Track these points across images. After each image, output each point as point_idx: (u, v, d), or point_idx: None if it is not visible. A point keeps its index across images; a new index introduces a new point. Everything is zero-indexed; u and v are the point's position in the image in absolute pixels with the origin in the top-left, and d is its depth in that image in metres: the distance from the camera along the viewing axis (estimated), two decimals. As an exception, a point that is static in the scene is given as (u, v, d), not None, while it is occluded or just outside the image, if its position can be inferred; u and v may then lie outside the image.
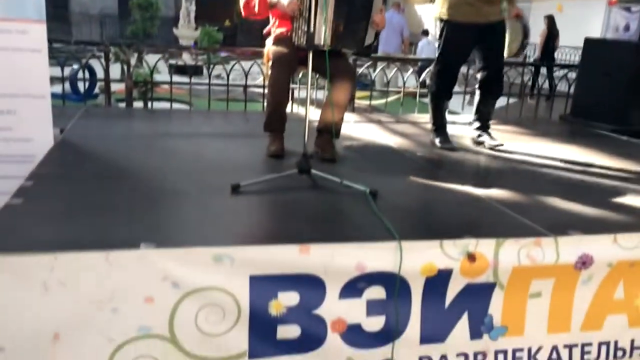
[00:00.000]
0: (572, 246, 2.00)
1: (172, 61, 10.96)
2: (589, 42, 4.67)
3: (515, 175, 3.00)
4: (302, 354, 1.84)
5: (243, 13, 3.07)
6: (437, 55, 3.54)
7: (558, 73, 5.26)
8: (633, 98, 4.32)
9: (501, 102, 5.67)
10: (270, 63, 2.97)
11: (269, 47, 3.06)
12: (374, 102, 5.88)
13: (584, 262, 2.01)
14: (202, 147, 3.24)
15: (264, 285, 1.78)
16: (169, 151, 3.07)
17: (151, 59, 11.46)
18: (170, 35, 14.12)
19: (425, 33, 12.02)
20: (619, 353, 2.13)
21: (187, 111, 4.55)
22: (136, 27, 12.40)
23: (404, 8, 18.04)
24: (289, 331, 1.82)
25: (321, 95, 5.05)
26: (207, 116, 4.39)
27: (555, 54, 12.35)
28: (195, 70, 7.34)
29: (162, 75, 4.76)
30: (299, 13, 2.72)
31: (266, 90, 3.23)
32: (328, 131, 2.97)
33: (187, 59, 12.80)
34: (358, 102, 5.72)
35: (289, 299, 1.81)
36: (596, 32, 13.57)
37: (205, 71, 9.15)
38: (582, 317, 2.08)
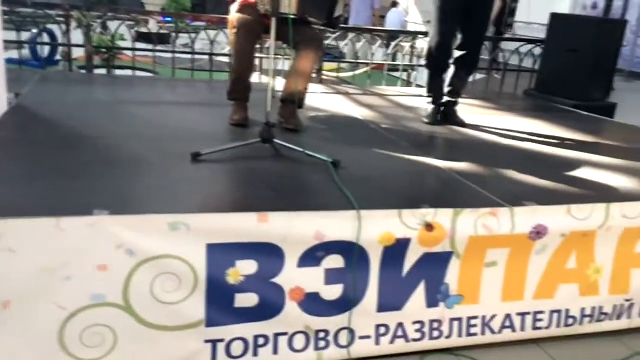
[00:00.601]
0: (527, 217, 2.04)
1: (138, 29, 10.69)
2: (555, 18, 4.70)
3: (477, 148, 3.04)
4: (260, 322, 1.85)
5: None
6: (432, 27, 3.48)
7: (524, 48, 5.27)
8: (596, 74, 4.40)
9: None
10: (234, 30, 2.92)
11: (234, 15, 3.00)
12: (343, 75, 5.86)
13: (539, 233, 2.05)
14: (164, 115, 3.18)
15: (222, 254, 1.77)
16: (130, 118, 3.00)
17: (115, 24, 11.14)
18: (137, 1, 13.73)
19: (394, 4, 11.93)
20: (570, 321, 2.19)
21: (151, 78, 4.45)
22: (100, -8, 11.96)
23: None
24: (246, 299, 1.82)
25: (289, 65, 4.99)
26: (171, 84, 4.30)
27: (524, 31, 12.44)
28: (161, 38, 7.16)
29: (128, 43, 4.62)
30: None
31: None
32: (292, 101, 2.95)
33: (153, 26, 12.53)
34: (327, 74, 5.68)
35: (247, 267, 1.80)
36: (565, 9, 13.68)
37: (172, 39, 8.97)
38: (535, 286, 2.13)
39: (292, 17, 2.52)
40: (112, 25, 4.83)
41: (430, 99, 3.54)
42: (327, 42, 5.45)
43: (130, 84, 4.13)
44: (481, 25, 3.42)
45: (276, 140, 2.47)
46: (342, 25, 5.46)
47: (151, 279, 1.69)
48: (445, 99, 3.54)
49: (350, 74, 6.12)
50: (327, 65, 6.31)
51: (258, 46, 3.62)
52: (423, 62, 3.57)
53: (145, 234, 1.67)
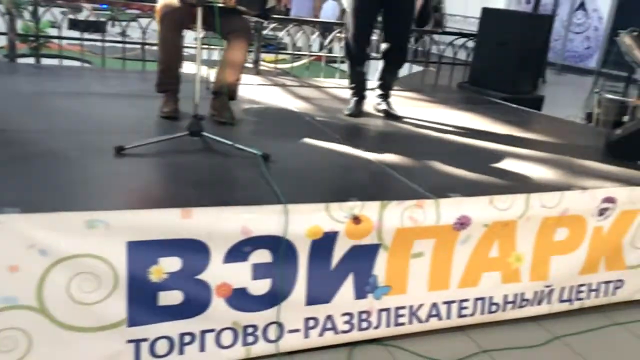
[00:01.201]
0: (451, 208, 2.08)
1: (73, 16, 10.23)
2: (486, 12, 4.83)
3: (408, 140, 3.08)
4: (185, 320, 1.82)
5: None
6: (348, 19, 3.48)
7: (458, 42, 5.39)
8: (524, 68, 4.54)
9: (406, 69, 5.81)
10: (158, 20, 2.84)
11: (159, 3, 2.92)
12: (281, 66, 5.81)
13: (462, 223, 2.10)
14: (92, 107, 3.07)
15: (143, 251, 1.72)
16: (53, 110, 2.88)
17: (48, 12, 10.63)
18: (70, -13, 13.18)
19: None
20: (493, 307, 2.27)
21: (79, 69, 4.27)
22: (30, -23, 11.39)
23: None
24: (171, 297, 1.78)
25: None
26: (101, 74, 4.15)
27: (462, 24, 12.74)
28: (97, 26, 6.89)
29: (62, 31, 4.40)
30: None
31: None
32: (224, 93, 2.90)
33: (88, 13, 12.04)
34: (265, 65, 5.63)
35: (170, 264, 1.76)
36: (500, 3, 14.11)
37: (109, 28, 8.65)
38: (460, 274, 2.19)
39: (219, 5, 2.48)
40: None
41: (352, 91, 3.56)
42: (265, 32, 5.41)
43: (57, 74, 3.95)
44: (401, 20, 3.40)
45: (205, 134, 2.42)
46: (278, 16, 5.45)
47: (67, 279, 1.63)
48: (378, 92, 3.57)
49: (289, 65, 6.09)
50: (266, 56, 6.27)
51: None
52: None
53: (60, 232, 1.61)
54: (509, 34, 4.48)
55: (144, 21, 4.54)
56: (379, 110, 3.58)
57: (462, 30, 12.58)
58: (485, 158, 2.75)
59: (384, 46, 3.50)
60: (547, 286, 2.34)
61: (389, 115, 3.50)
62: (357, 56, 3.48)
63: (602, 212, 2.30)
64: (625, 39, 4.39)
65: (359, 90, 3.54)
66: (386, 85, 3.58)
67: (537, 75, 4.84)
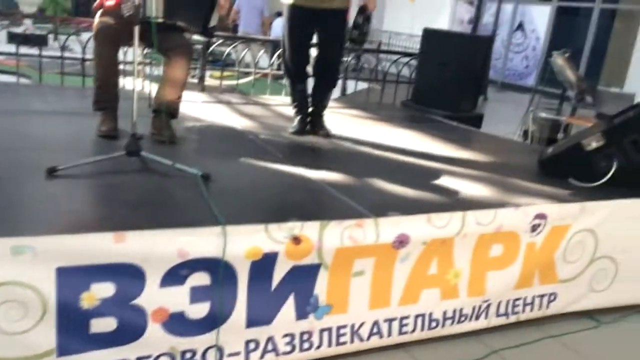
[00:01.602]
0: (390, 226, 2.11)
1: (14, 29, 9.91)
2: (427, 33, 4.97)
3: (350, 158, 3.12)
4: (119, 347, 1.76)
5: None
6: (283, 37, 3.51)
7: (402, 60, 5.52)
8: (465, 87, 4.69)
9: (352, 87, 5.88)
10: (94, 36, 2.79)
11: (96, 19, 2.87)
12: (227, 83, 5.79)
13: (401, 241, 2.13)
14: (26, 125, 2.96)
15: (74, 277, 1.66)
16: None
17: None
18: (11, 1, 12.74)
19: (279, 14, 12.07)
20: (433, 324, 2.31)
21: (15, 85, 4.11)
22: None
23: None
24: (103, 324, 1.73)
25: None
26: (39, 91, 4.02)
27: (407, 42, 13.07)
28: (38, 40, 6.69)
29: (1, 44, 4.25)
30: None
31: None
32: (164, 111, 2.86)
33: (29, 27, 11.70)
34: (210, 82, 5.60)
35: (103, 290, 1.71)
36: (444, 24, 14.55)
37: (51, 42, 8.41)
38: (400, 291, 2.21)
39: (158, 21, 2.46)
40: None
41: (294, 109, 3.58)
42: (212, 47, 5.38)
43: (-10, 91, 3.81)
44: (332, 40, 3.39)
45: (143, 153, 2.38)
46: (223, 33, 5.43)
47: (-9, 308, 1.56)
48: (310, 111, 3.58)
49: (234, 82, 6.08)
50: (213, 72, 6.23)
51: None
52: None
53: (-17, 260, 1.53)
54: (450, 54, 4.61)
55: (84, 36, 4.43)
56: (313, 131, 3.55)
57: (408, 48, 12.93)
58: (425, 176, 2.81)
59: (315, 64, 3.50)
60: (485, 301, 2.40)
61: (320, 133, 3.50)
62: (296, 75, 3.50)
63: (534, 228, 2.38)
64: (558, 60, 4.63)
65: (302, 108, 3.55)
66: (316, 101, 3.57)
67: (477, 94, 5.00)
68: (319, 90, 3.56)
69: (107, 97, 2.85)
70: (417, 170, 2.96)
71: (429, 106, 4.72)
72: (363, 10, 3.40)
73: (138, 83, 2.45)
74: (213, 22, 2.98)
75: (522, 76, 12.72)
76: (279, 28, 11.28)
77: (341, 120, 4.04)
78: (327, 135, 3.49)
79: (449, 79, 4.59)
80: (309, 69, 3.57)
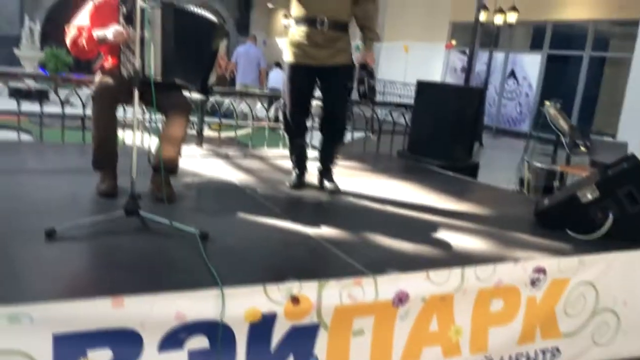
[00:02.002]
0: (389, 284, 2.11)
1: (14, 84, 10.07)
2: (420, 85, 5.08)
3: (347, 212, 3.13)
4: (116, 414, 1.73)
5: (72, 52, 2.93)
6: (283, 92, 3.53)
7: (397, 113, 5.62)
8: (458, 136, 4.76)
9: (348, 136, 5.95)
10: (92, 96, 2.85)
11: (96, 80, 2.94)
12: (225, 134, 5.86)
13: (401, 299, 2.12)
14: (25, 185, 2.98)
15: (71, 344, 1.65)
16: (-18, 191, 2.78)
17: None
18: (13, 56, 13.00)
19: (278, 65, 12.39)
20: (435, 382, 2.27)
21: (15, 143, 4.16)
22: (-31, 45, 11.22)
23: (265, 40, 18.49)
24: (100, 391, 1.70)
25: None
26: (39, 149, 4.06)
27: (401, 90, 13.32)
28: (39, 94, 6.78)
29: (2, 98, 4.31)
30: (126, 44, 2.68)
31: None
32: (163, 168, 2.88)
33: (30, 82, 11.90)
34: (208, 132, 5.65)
35: (99, 356, 1.69)
36: (438, 72, 14.87)
37: (52, 96, 8.54)
38: (401, 350, 2.19)
39: (157, 81, 2.52)
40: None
41: (292, 161, 3.59)
42: (211, 99, 5.46)
43: (-11, 149, 3.85)
44: (337, 96, 3.41)
45: (141, 213, 2.39)
46: (221, 88, 5.54)
47: (-14, 378, 1.53)
48: (318, 166, 3.58)
49: (232, 133, 6.15)
50: (211, 124, 6.31)
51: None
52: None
53: (-21, 329, 1.52)
54: (443, 105, 4.70)
55: (84, 91, 4.50)
56: (320, 186, 3.55)
57: (403, 96, 13.17)
58: (422, 229, 2.81)
59: (321, 120, 3.52)
60: (487, 357, 2.37)
61: (330, 191, 3.47)
62: (295, 130, 3.52)
63: (534, 282, 2.37)
64: (550, 110, 4.72)
65: (300, 162, 3.57)
66: (324, 160, 3.56)
67: (472, 143, 5.06)
68: (327, 145, 3.55)
69: (105, 157, 2.88)
70: (414, 223, 2.97)
71: (425, 156, 4.77)
72: (364, 67, 3.38)
73: (137, 140, 2.49)
74: (211, 80, 3.06)
75: (516, 122, 12.91)
76: (275, 78, 11.60)
77: (339, 172, 4.06)
78: (336, 190, 3.45)
79: (443, 129, 4.67)
80: (309, 123, 3.60)
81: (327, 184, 3.53)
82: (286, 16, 18.79)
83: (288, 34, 3.41)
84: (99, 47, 2.85)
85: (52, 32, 14.77)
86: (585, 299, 2.51)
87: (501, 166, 7.21)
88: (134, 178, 2.41)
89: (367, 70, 3.38)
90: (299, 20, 3.29)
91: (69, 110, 4.49)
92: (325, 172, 3.57)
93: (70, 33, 2.89)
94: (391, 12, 14.41)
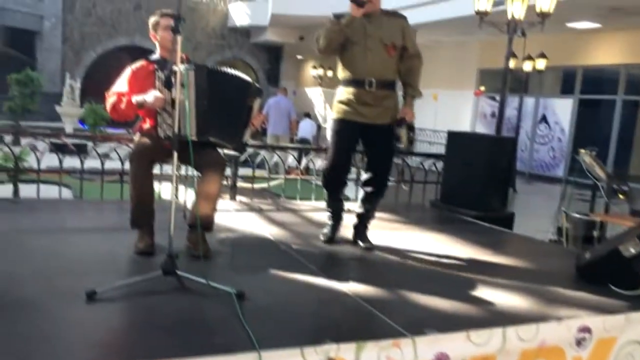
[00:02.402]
0: (428, 345, 2.06)
1: (54, 140, 10.53)
2: (452, 135, 5.08)
3: (383, 268, 3.09)
4: None
5: (112, 117, 3.06)
6: (329, 148, 3.49)
7: (428, 162, 5.62)
8: (492, 186, 4.70)
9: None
10: (130, 156, 2.94)
11: (135, 142, 3.04)
12: (258, 185, 5.94)
13: (441, 361, 2.07)
14: (66, 244, 3.05)
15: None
16: (26, 251, 2.85)
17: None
18: (54, 112, 13.56)
19: (307, 115, 12.62)
20: None
21: (56, 202, 4.29)
22: (14, 104, 11.74)
23: (295, 91, 18.89)
24: None
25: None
26: (77, 207, 4.18)
27: (431, 137, 13.34)
28: (78, 149, 7.05)
29: (43, 154, 4.48)
30: (162, 107, 2.79)
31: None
32: (199, 225, 2.92)
33: (70, 139, 12.37)
34: (241, 183, 5.72)
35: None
36: (467, 118, 14.88)
37: (90, 150, 8.86)
38: (442, 414, 2.11)
39: (190, 139, 2.59)
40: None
41: (328, 215, 3.57)
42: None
43: (33, 208, 3.96)
44: (383, 154, 3.42)
45: (178, 272, 2.42)
46: (254, 143, 5.64)
47: None
48: (355, 221, 3.54)
49: (265, 184, 6.23)
50: (243, 173, 6.40)
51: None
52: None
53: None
54: (475, 155, 4.68)
55: (122, 150, 4.64)
56: (355, 241, 3.51)
57: (433, 142, 13.17)
58: (460, 286, 2.76)
59: (364, 176, 3.49)
60: (533, 421, 2.27)
61: (363, 244, 3.45)
62: (335, 186, 3.49)
63: (579, 342, 2.29)
64: (586, 158, 4.65)
65: (336, 216, 3.55)
66: (365, 215, 3.52)
67: (506, 193, 4.99)
68: (367, 201, 3.51)
69: (143, 215, 2.94)
70: (451, 279, 2.91)
71: (458, 206, 4.72)
72: (402, 122, 3.33)
73: (174, 197, 2.54)
74: (246, 137, 3.13)
75: (549, 167, 12.72)
76: (305, 129, 11.78)
77: (373, 225, 4.05)
78: (370, 248, 3.41)
79: (476, 179, 4.63)
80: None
81: (360, 243, 3.47)
82: (315, 67, 19.23)
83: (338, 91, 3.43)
84: (138, 111, 2.97)
85: (91, 88, 15.44)
86: (633, 358, 2.40)
87: (537, 214, 7.08)
88: (171, 237, 2.45)
89: (407, 125, 3.35)
90: (348, 82, 3.34)
91: (107, 164, 4.62)
92: (362, 229, 3.53)
93: (110, 99, 3.02)
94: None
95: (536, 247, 4.02)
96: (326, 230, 3.55)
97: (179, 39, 2.45)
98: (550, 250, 4.11)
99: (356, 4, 3.16)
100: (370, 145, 3.42)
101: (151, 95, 2.83)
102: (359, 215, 3.54)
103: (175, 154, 2.51)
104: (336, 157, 3.39)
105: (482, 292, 2.68)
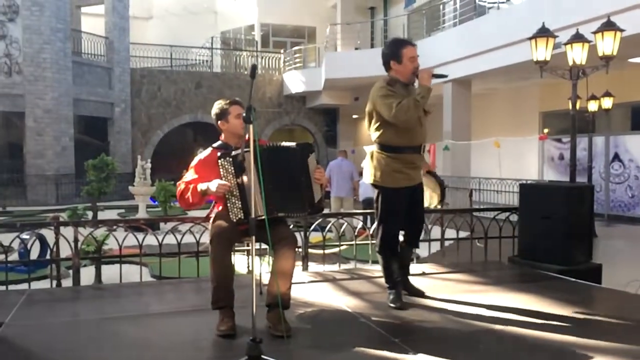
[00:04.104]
0: None
1: (127, 217, 11.03)
2: (524, 188, 4.92)
3: (472, 337, 2.95)
4: None
5: (180, 205, 3.19)
6: (377, 218, 3.62)
7: (501, 215, 5.43)
8: (574, 237, 4.46)
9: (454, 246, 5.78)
10: (209, 240, 3.01)
11: (210, 225, 3.13)
12: (329, 251, 5.92)
13: None
14: (150, 330, 3.13)
15: None
16: (114, 340, 2.94)
17: (107, 214, 11.34)
18: (127, 191, 14.23)
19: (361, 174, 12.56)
20: None
21: (137, 285, 4.42)
22: (91, 188, 12.42)
23: (354, 150, 19.05)
24: None
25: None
26: (157, 289, 4.28)
27: (497, 186, 13.01)
28: (151, 225, 7.34)
29: (118, 232, 4.68)
30: (230, 193, 2.87)
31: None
32: (277, 304, 2.92)
33: (142, 213, 12.90)
34: (312, 251, 5.71)
35: None
36: (533, 163, 14.46)
37: (162, 225, 9.19)
38: None
39: (266, 218, 2.63)
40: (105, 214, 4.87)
41: (389, 284, 3.61)
42: (313, 226, 5.57)
43: (117, 294, 4.10)
44: (421, 208, 3.74)
45: (264, 357, 2.40)
46: (319, 214, 5.67)
47: None
48: (400, 274, 3.68)
49: (336, 249, 6.20)
50: (313, 238, 6.40)
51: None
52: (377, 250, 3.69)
53: None
54: (553, 206, 4.49)
55: (196, 231, 4.75)
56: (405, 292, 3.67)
57: (500, 191, 12.82)
58: (558, 354, 2.59)
59: (405, 231, 3.71)
60: None
61: (413, 293, 3.68)
62: (394, 251, 3.63)
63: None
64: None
65: (397, 279, 3.62)
66: (406, 264, 3.80)
67: (590, 243, 4.74)
68: (409, 253, 3.85)
69: (224, 296, 2.98)
70: (547, 346, 2.74)
71: (540, 261, 4.51)
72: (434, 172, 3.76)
73: (255, 279, 2.56)
74: (318, 196, 3.13)
75: (629, 207, 12.05)
76: (366, 189, 11.73)
77: (451, 289, 3.93)
78: (421, 294, 3.68)
79: (555, 232, 4.41)
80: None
81: (411, 287, 3.73)
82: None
83: (380, 156, 3.56)
84: (203, 198, 3.07)
85: (160, 165, 16.23)
86: None
87: (624, 261, 6.66)
88: (254, 318, 2.46)
89: (436, 177, 3.80)
90: (402, 149, 3.53)
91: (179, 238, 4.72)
92: (407, 275, 3.79)
93: (179, 188, 3.16)
94: (477, 108, 14.47)
95: (632, 302, 3.73)
96: (394, 297, 3.53)
97: (251, 127, 2.55)
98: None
99: (436, 77, 3.50)
100: (413, 202, 3.62)
101: (214, 183, 2.93)
102: (401, 267, 3.71)
103: (253, 239, 2.56)
104: (394, 223, 3.61)
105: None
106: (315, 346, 2.85)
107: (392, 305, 3.47)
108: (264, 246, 3.58)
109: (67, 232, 4.39)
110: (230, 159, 2.92)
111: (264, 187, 2.82)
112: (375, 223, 3.71)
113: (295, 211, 3.13)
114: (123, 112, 19.24)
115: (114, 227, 4.70)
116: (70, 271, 5.85)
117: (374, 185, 3.64)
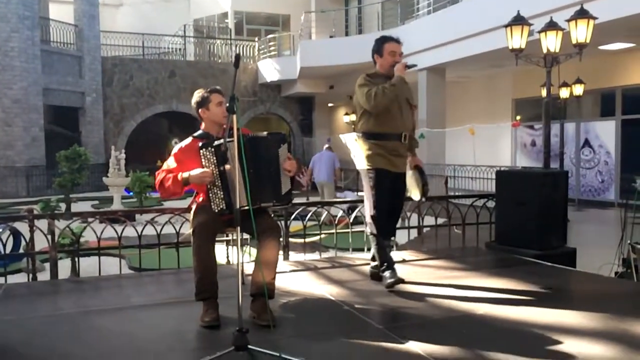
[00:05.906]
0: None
1: (103, 209, 10.89)
2: (500, 174, 5.00)
3: (454, 323, 2.99)
4: None
5: (161, 195, 3.16)
6: (372, 200, 3.67)
7: (478, 202, 5.52)
8: (549, 222, 4.56)
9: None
10: (191, 231, 3.00)
11: (192, 217, 3.11)
12: (310, 240, 5.92)
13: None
14: (131, 323, 3.10)
15: None
16: (96, 333, 2.91)
17: (81, 206, 11.12)
18: (100, 182, 14.01)
19: None
20: None
21: (117, 278, 4.36)
22: (63, 179, 12.15)
23: (330, 138, 19.05)
24: None
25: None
26: (137, 281, 4.23)
27: (472, 173, 13.19)
28: (127, 216, 7.27)
29: (94, 224, 4.60)
30: (211, 183, 2.86)
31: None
32: (262, 294, 2.92)
33: (117, 204, 12.73)
34: (293, 240, 5.72)
35: None
36: (506, 149, 14.69)
37: (137, 217, 9.10)
38: None
39: (245, 209, 2.62)
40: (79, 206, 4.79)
41: (384, 267, 3.66)
42: (294, 215, 5.57)
43: (96, 287, 4.04)
44: (403, 197, 3.87)
45: (250, 347, 2.41)
46: (302, 202, 5.68)
47: None
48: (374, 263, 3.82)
49: (316, 238, 6.22)
50: (293, 227, 6.41)
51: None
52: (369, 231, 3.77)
53: None
54: (528, 192, 4.57)
55: (174, 221, 4.71)
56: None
57: (475, 178, 13.00)
58: (536, 338, 2.65)
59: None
60: None
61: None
62: (386, 230, 3.73)
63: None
64: (644, 186, 4.49)
65: (391, 259, 3.71)
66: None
67: (565, 229, 4.84)
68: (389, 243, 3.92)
69: (208, 288, 2.96)
70: (526, 331, 2.80)
71: (516, 246, 4.60)
72: (421, 169, 3.85)
73: (241, 271, 2.56)
74: (285, 188, 3.12)
75: (599, 191, 12.35)
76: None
77: (431, 275, 3.99)
78: (403, 280, 3.66)
79: (532, 217, 4.51)
80: None
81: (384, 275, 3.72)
82: (348, 114, 19.44)
83: (364, 143, 3.69)
84: (184, 188, 3.05)
85: (134, 155, 16.01)
86: None
87: (594, 243, 6.83)
88: (241, 309, 2.46)
89: (421, 173, 3.83)
90: (382, 135, 3.66)
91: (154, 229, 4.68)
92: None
93: (159, 177, 3.12)
94: (451, 96, 14.60)
95: (610, 286, 3.85)
96: (389, 275, 3.60)
97: (234, 117, 2.54)
98: (622, 287, 3.93)
99: (408, 68, 3.64)
100: (393, 191, 3.72)
101: (196, 173, 2.91)
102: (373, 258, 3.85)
103: (239, 230, 2.56)
104: (381, 203, 3.69)
105: (562, 343, 2.57)
106: (300, 335, 2.86)
107: (389, 281, 3.57)
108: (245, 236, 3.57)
109: (42, 224, 4.33)
110: (213, 149, 2.90)
111: (250, 177, 2.81)
112: (366, 206, 3.78)
113: (275, 200, 3.12)
114: (94, 102, 18.88)
115: (91, 219, 4.63)
116: (45, 264, 5.77)
117: (367, 169, 3.70)
